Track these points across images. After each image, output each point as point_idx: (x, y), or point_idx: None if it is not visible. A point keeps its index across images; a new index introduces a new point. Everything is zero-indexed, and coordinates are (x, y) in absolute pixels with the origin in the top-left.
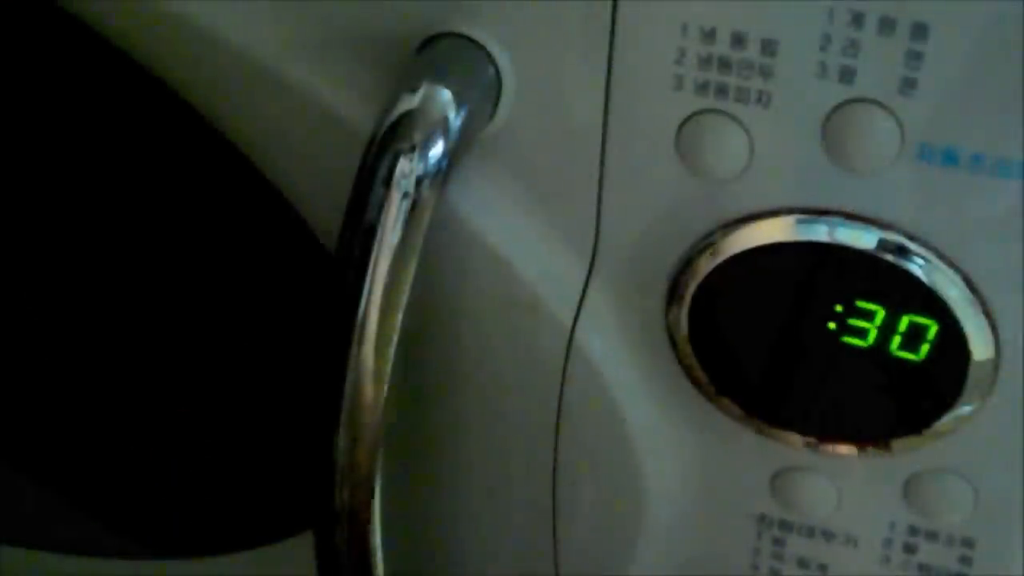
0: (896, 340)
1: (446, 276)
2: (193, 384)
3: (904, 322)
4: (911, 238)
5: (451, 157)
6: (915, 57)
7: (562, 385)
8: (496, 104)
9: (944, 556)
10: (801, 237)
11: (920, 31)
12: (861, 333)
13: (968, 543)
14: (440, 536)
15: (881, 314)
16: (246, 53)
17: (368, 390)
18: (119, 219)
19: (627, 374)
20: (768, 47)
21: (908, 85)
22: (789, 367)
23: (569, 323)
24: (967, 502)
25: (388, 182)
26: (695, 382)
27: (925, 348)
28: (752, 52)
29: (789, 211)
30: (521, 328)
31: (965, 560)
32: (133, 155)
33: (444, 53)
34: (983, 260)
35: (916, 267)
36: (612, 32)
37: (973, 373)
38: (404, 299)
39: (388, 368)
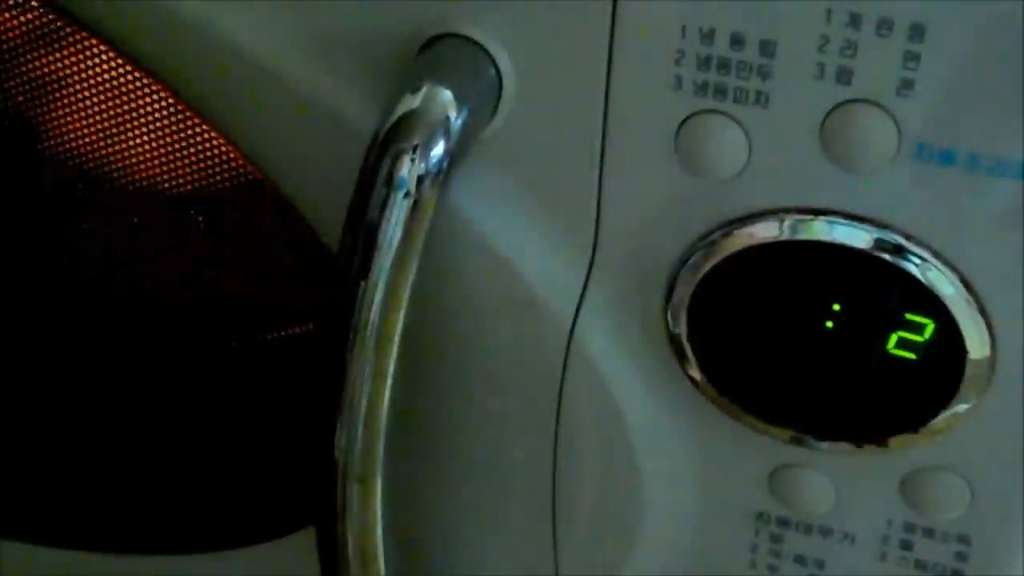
0: (893, 339)
1: (447, 275)
2: (194, 381)
3: (901, 321)
4: (908, 237)
5: (452, 157)
6: (912, 58)
7: (562, 385)
8: (496, 104)
9: (940, 553)
10: (799, 236)
11: (917, 32)
12: (859, 332)
13: (964, 540)
14: (440, 535)
15: (879, 313)
16: (247, 53)
17: (369, 389)
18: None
19: (627, 373)
20: (766, 48)
21: (905, 86)
22: (787, 366)
23: (569, 323)
24: (963, 499)
25: (389, 182)
26: (694, 381)
27: (922, 346)
28: (751, 53)
29: (787, 210)
30: (521, 328)
31: (961, 557)
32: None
33: (445, 53)
34: (979, 259)
35: (913, 266)
36: (612, 32)
37: (969, 371)
38: (405, 298)
39: (389, 367)
